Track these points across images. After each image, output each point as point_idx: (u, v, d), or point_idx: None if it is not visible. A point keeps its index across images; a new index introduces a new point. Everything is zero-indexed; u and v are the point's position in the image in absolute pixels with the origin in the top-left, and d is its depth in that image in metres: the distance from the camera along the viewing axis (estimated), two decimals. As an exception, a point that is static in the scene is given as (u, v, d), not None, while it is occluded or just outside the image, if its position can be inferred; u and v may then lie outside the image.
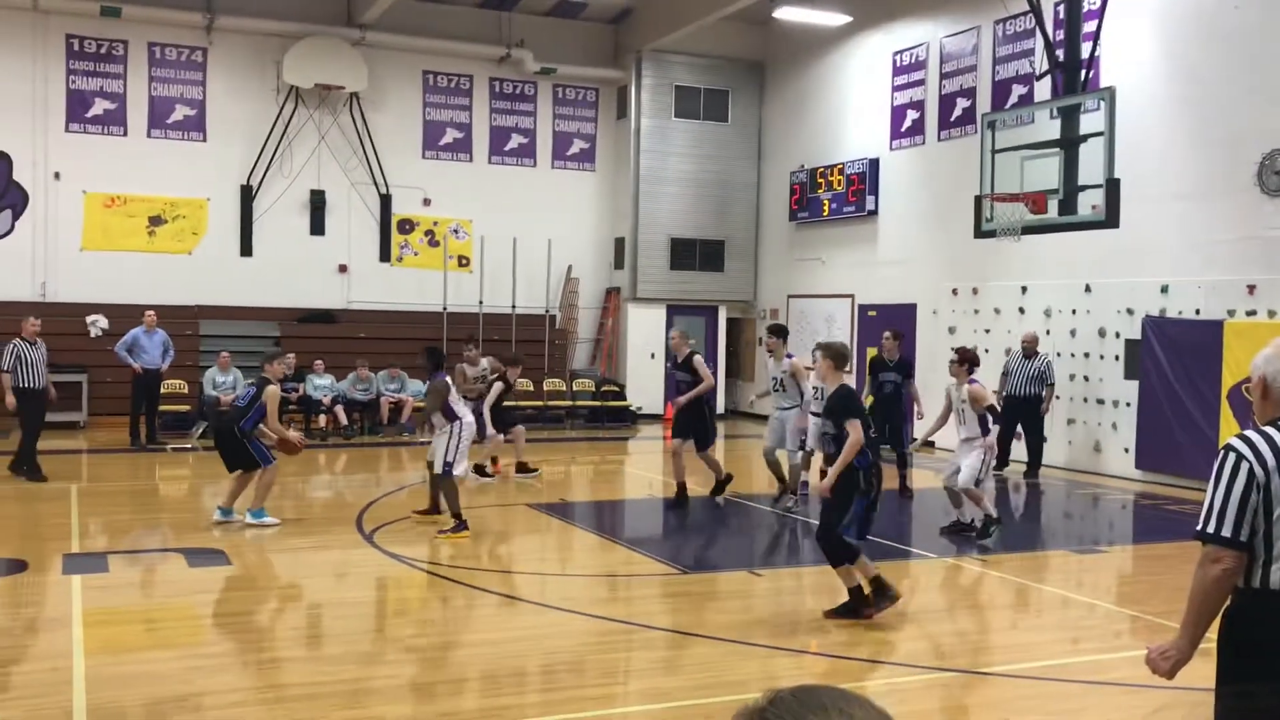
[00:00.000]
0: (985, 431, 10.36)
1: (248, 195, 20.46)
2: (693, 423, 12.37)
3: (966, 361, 10.61)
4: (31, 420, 13.36)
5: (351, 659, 6.78)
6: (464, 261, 21.89)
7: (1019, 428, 15.21)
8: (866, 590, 7.61)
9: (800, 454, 12.32)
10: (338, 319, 20.78)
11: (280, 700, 5.94)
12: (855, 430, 7.45)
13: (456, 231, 21.91)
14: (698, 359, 12.45)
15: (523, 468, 14.31)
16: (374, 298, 21.10)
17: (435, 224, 21.81)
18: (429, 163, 21.79)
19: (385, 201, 21.37)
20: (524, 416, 20.38)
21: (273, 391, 10.89)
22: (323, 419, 18.31)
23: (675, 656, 6.91)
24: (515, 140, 22.45)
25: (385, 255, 21.50)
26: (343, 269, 21.13)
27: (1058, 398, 15.51)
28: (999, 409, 12.39)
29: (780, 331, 12.56)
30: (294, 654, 6.98)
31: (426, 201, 21.70)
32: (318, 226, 20.96)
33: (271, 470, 10.84)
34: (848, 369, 8.09)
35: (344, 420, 18.41)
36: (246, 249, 20.52)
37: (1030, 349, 15.03)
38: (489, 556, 10.06)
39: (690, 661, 6.80)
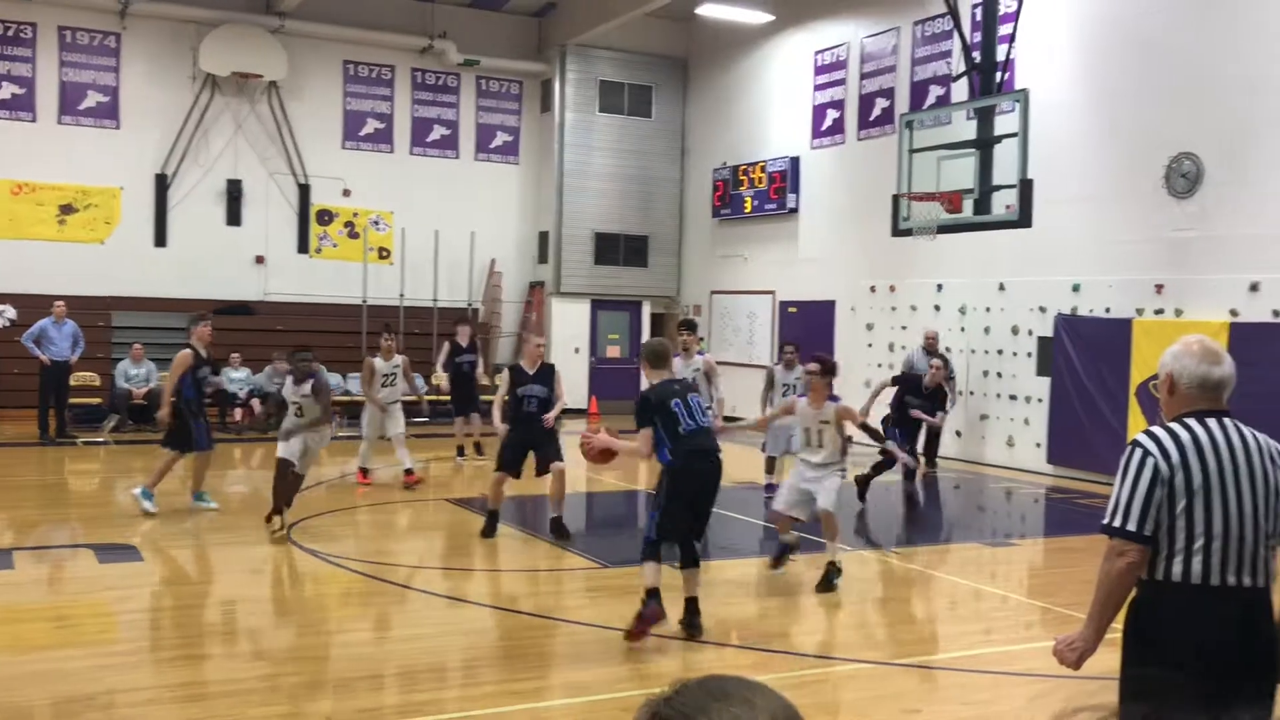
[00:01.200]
0: (845, 453, 9.20)
1: (162, 184, 20.04)
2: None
3: (829, 374, 8.94)
4: None
5: (267, 655, 6.70)
6: (384, 254, 21.67)
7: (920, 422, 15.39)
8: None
9: None
10: (255, 311, 20.44)
11: (194, 698, 5.85)
12: (639, 440, 7.09)
13: (377, 223, 21.68)
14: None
15: (461, 450, 15.04)
16: (292, 290, 20.78)
17: (355, 215, 21.56)
18: (349, 153, 21.52)
19: (304, 192, 21.07)
20: (445, 411, 20.36)
21: (182, 355, 10.74)
22: (239, 412, 18.01)
23: (594, 651, 6.93)
24: (437, 132, 22.28)
25: (304, 246, 21.20)
26: (260, 260, 20.79)
27: (970, 393, 15.84)
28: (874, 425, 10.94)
29: (691, 326, 12.33)
30: (208, 651, 6.87)
31: (346, 192, 21.43)
32: (234, 217, 20.60)
33: (204, 457, 10.92)
34: (665, 368, 7.49)
35: (260, 414, 18.13)
36: (161, 239, 20.09)
37: (932, 346, 15.18)
38: (409, 552, 9.99)
39: (609, 656, 6.83)
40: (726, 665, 6.77)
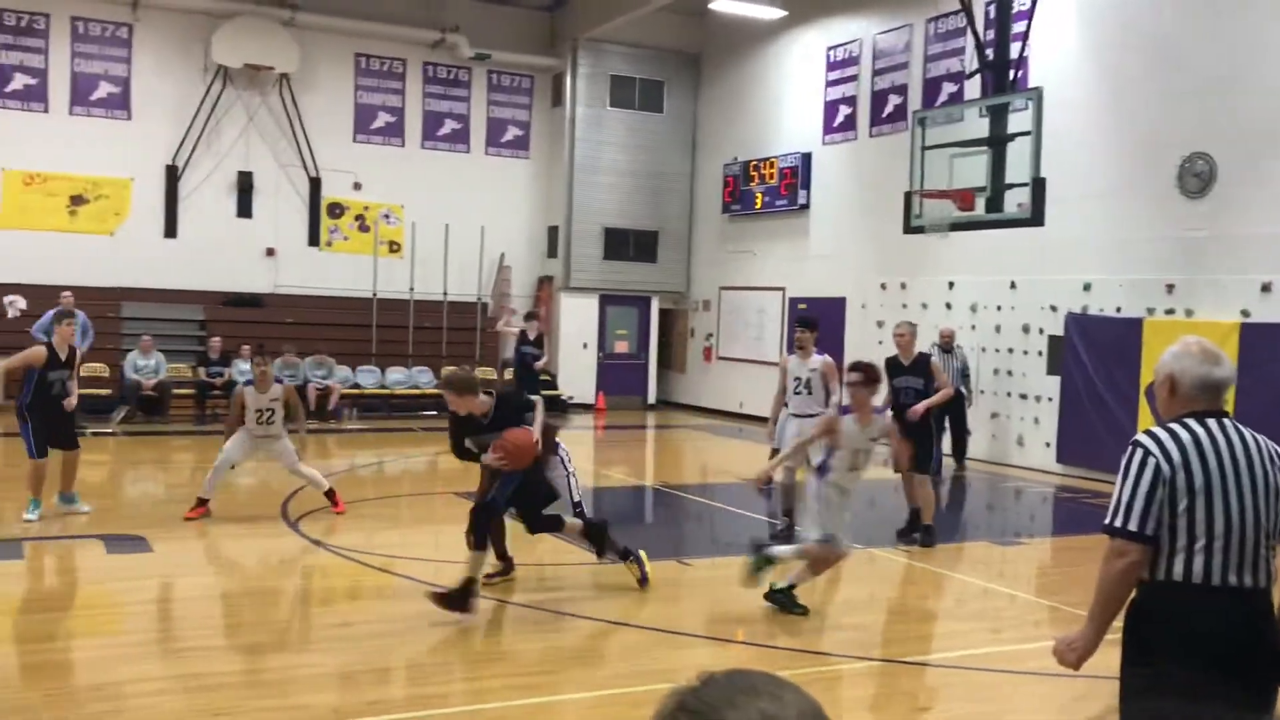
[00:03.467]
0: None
1: (173, 176, 20.07)
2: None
3: (874, 382, 8.07)
4: None
5: (275, 647, 6.70)
6: (395, 247, 21.68)
7: (945, 421, 15.34)
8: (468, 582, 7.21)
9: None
10: (264, 303, 20.47)
11: (202, 689, 5.85)
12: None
13: (387, 217, 21.69)
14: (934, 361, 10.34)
15: None
16: (302, 282, 20.81)
17: (366, 209, 21.57)
18: (360, 146, 21.54)
19: (315, 185, 21.09)
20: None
21: (35, 351, 10.08)
22: (248, 405, 17.99)
23: (604, 645, 6.93)
24: (449, 126, 22.28)
25: (314, 239, 21.22)
26: (270, 252, 20.82)
27: (982, 391, 15.81)
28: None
29: (810, 324, 10.46)
30: (216, 642, 6.88)
31: (357, 186, 21.45)
32: (245, 209, 20.63)
33: (72, 456, 10.29)
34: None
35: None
36: (171, 230, 20.13)
37: (948, 344, 15.16)
38: (417, 545, 9.99)
39: (619, 650, 6.83)
40: (733, 662, 6.74)
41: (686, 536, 10.97)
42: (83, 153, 19.42)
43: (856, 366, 7.93)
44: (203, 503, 10.34)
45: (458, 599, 7.09)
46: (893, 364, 10.32)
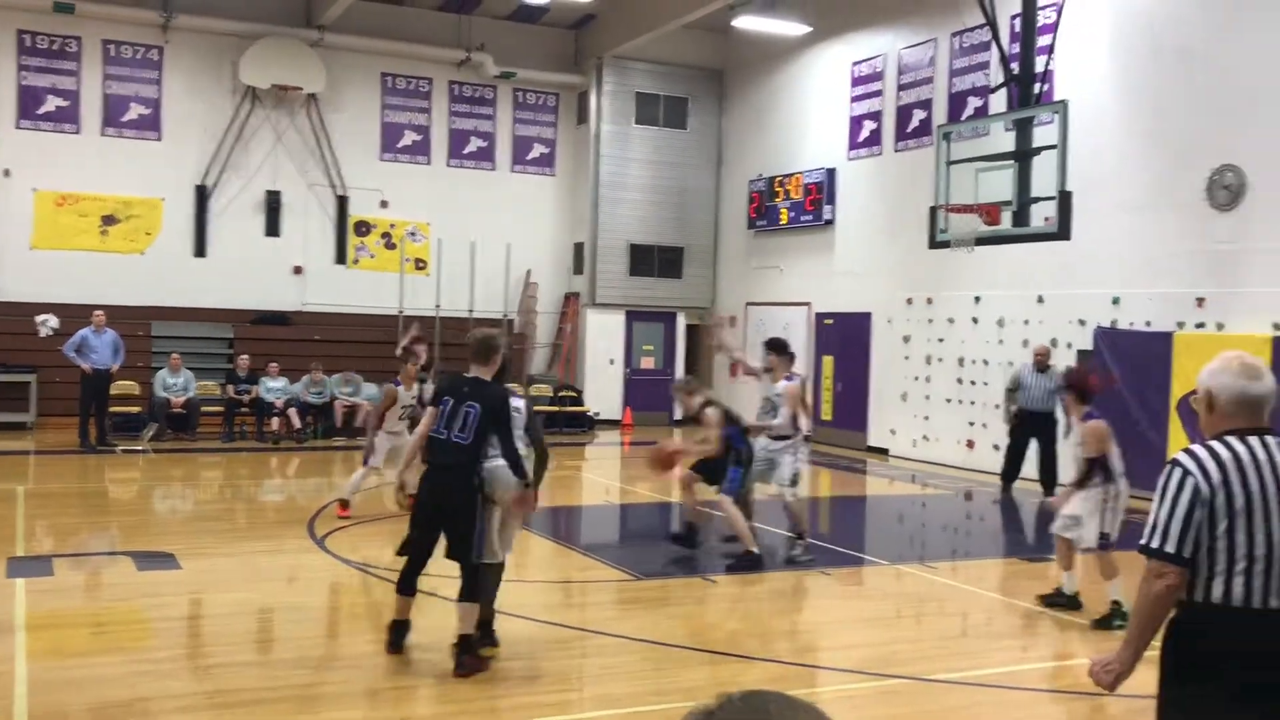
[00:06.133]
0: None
1: (203, 195, 20.26)
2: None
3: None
4: None
5: (302, 664, 6.72)
6: (421, 264, 21.79)
7: (1033, 443, 14.42)
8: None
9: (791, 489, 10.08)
10: (292, 321, 20.61)
11: (229, 705, 5.88)
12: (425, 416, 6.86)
13: (414, 234, 21.81)
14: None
15: None
16: (329, 300, 20.94)
17: (392, 226, 21.69)
18: (387, 165, 21.68)
19: (342, 203, 21.23)
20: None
21: None
22: (275, 422, 18.13)
23: (628, 663, 6.91)
24: (474, 144, 22.40)
25: (341, 257, 21.35)
26: (298, 270, 20.97)
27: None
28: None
29: (778, 347, 10.23)
30: (244, 659, 6.91)
31: (384, 204, 21.59)
32: (273, 227, 20.79)
33: None
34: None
35: (297, 424, 18.24)
36: (200, 249, 20.31)
37: (1042, 362, 14.28)
38: (443, 562, 10.00)
39: (643, 668, 6.80)
40: (760, 679, 6.72)
41: (711, 554, 10.93)
42: (114, 173, 19.64)
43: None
44: (345, 504, 11.26)
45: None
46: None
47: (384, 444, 11.21)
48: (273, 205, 20.70)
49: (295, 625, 7.70)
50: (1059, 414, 13.62)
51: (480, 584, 6.60)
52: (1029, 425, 14.25)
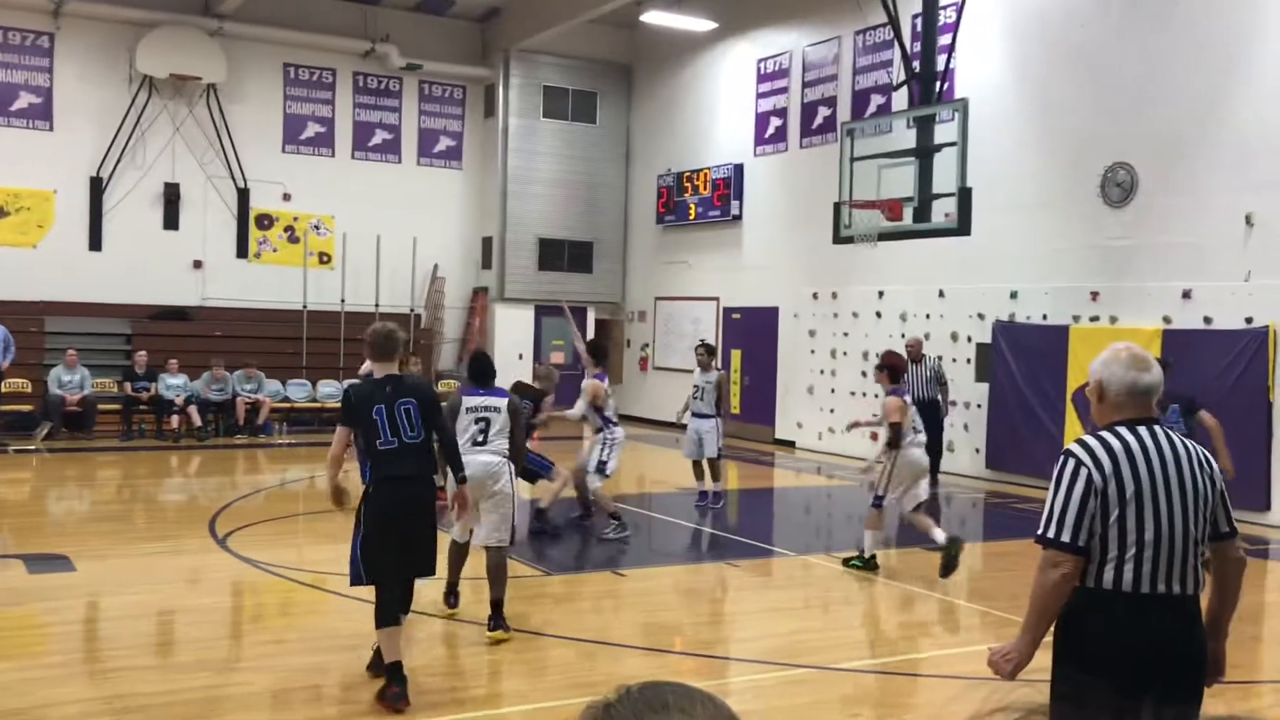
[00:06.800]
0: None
1: (97, 187, 19.69)
2: None
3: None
4: None
5: (204, 667, 6.59)
6: (325, 258, 21.45)
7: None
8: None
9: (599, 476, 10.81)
10: (192, 316, 20.14)
11: (129, 710, 5.74)
12: (334, 439, 6.32)
13: (318, 228, 21.47)
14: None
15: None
16: (230, 295, 20.51)
17: (295, 219, 21.33)
18: (289, 157, 21.29)
19: (243, 196, 20.80)
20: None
21: None
22: (175, 420, 17.71)
23: (537, 659, 6.90)
24: (379, 136, 22.11)
25: (243, 251, 20.92)
26: (198, 265, 20.49)
27: (953, 403, 15.37)
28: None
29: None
30: (143, 662, 6.75)
31: (287, 196, 21.20)
32: (172, 221, 20.28)
33: None
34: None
35: (197, 421, 17.84)
36: (96, 243, 19.74)
37: (916, 353, 14.69)
38: (349, 561, 9.86)
39: (552, 663, 6.80)
40: (669, 672, 6.77)
41: (621, 547, 10.96)
42: (3, 164, 18.97)
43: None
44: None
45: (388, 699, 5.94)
46: None
47: None
48: (171, 198, 20.20)
49: (196, 627, 7.54)
50: (940, 400, 14.61)
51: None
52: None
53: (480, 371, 7.57)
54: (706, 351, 12.90)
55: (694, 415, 12.65)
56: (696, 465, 12.63)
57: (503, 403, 7.35)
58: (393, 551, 6.06)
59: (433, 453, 6.31)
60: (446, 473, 6.74)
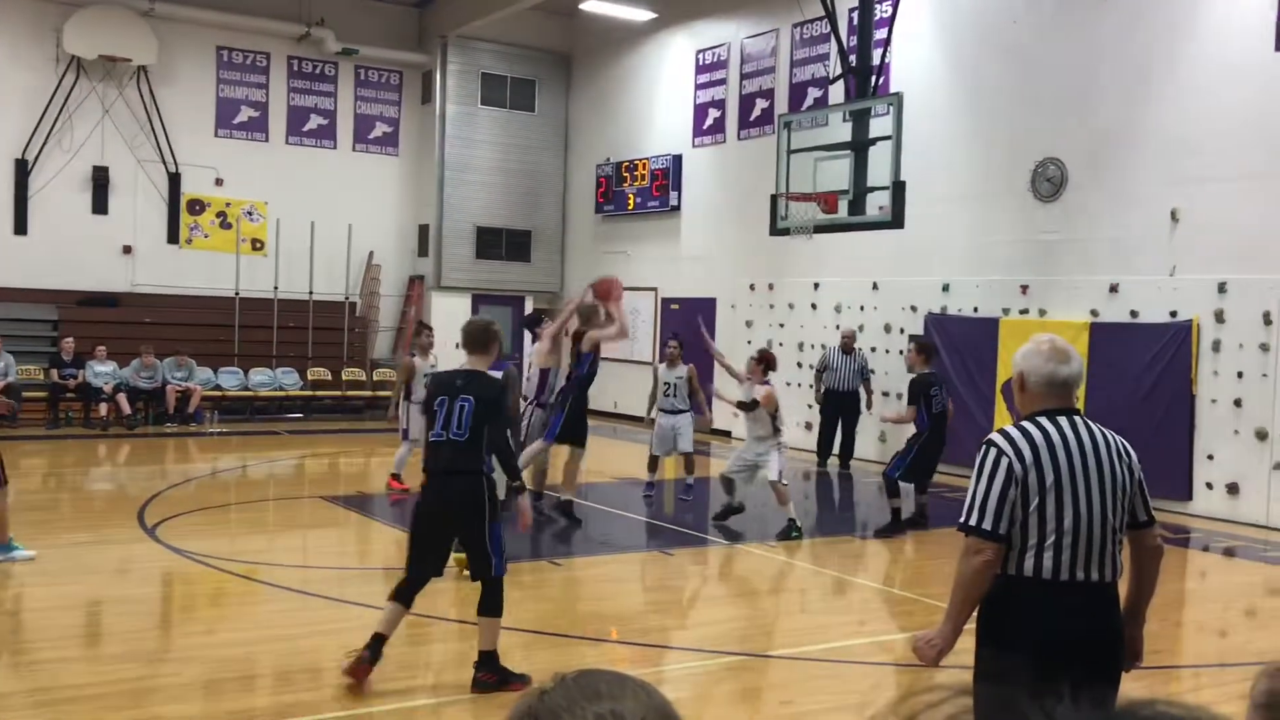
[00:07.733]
0: (777, 430, 10.55)
1: (23, 170, 19.24)
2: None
3: (764, 363, 10.79)
4: None
5: (133, 658, 6.49)
6: (258, 245, 21.17)
7: (839, 421, 15.52)
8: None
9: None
10: (121, 302, 19.77)
11: (53, 703, 5.65)
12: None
13: (250, 214, 21.17)
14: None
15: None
16: (161, 281, 20.17)
17: (228, 205, 21.01)
18: (222, 141, 20.96)
19: (174, 180, 20.45)
20: (321, 407, 20.01)
21: None
22: (104, 408, 17.40)
23: (473, 649, 6.88)
24: (314, 121, 21.85)
25: (174, 237, 20.58)
26: (127, 250, 20.12)
27: (885, 394, 15.62)
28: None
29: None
30: (69, 654, 6.63)
31: (219, 182, 20.88)
32: (100, 205, 19.90)
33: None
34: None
35: (127, 409, 17.54)
36: (21, 227, 19.30)
37: (849, 345, 15.37)
38: (281, 551, 9.79)
39: (488, 652, 6.78)
40: (605, 660, 6.80)
41: (559, 536, 10.98)
42: (-77, 144, 18.48)
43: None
44: (397, 478, 12.06)
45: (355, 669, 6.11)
46: None
47: (416, 415, 11.10)
48: (100, 182, 19.80)
49: (125, 618, 7.44)
50: (862, 392, 15.35)
51: (501, 597, 6.13)
52: (835, 404, 15.42)
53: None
54: (679, 347, 12.48)
55: (665, 412, 12.08)
56: (654, 460, 12.39)
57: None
58: (421, 545, 6.15)
59: (482, 455, 6.09)
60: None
